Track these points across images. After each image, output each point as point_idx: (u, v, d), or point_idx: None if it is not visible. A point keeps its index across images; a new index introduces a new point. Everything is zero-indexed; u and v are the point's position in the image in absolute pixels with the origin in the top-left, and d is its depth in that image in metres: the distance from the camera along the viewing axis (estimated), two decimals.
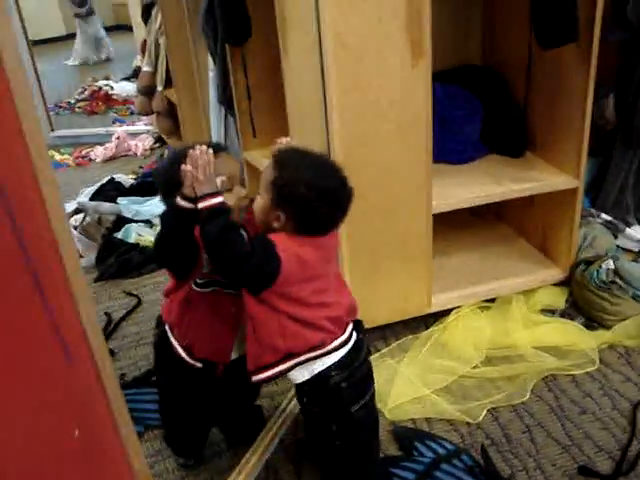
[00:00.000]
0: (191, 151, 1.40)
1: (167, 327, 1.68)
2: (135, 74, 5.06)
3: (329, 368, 1.52)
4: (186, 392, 1.75)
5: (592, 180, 2.74)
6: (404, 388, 2.12)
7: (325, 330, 1.50)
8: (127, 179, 3.58)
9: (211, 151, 1.41)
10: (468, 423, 2.01)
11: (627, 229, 2.52)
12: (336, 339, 1.53)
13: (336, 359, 1.52)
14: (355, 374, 1.54)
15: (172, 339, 1.67)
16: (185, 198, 1.41)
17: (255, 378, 1.55)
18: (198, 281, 1.57)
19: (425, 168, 2.11)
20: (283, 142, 1.55)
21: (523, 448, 1.92)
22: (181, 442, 1.91)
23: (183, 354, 1.66)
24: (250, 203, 1.54)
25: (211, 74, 3.06)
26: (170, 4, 3.31)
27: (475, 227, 2.82)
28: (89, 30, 7.29)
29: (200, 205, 1.39)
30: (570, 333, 2.29)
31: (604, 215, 2.59)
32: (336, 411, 1.55)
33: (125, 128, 4.36)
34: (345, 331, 1.56)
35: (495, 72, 2.64)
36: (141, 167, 3.89)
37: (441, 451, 1.91)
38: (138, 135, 4.27)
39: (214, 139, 3.22)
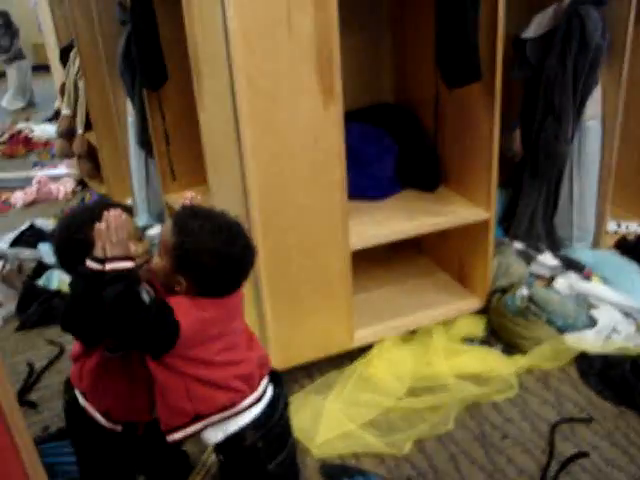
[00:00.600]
0: (106, 212, 1.37)
1: (78, 393, 1.62)
2: (56, 116, 4.98)
3: (244, 428, 1.50)
4: (106, 455, 1.69)
5: (504, 210, 2.86)
6: (331, 424, 2.14)
7: (235, 389, 1.48)
8: (48, 224, 3.50)
9: (124, 215, 1.39)
10: (395, 456, 2.04)
11: (539, 256, 2.63)
12: (248, 397, 1.51)
13: (250, 418, 1.51)
14: (272, 431, 1.53)
15: (86, 405, 1.61)
16: (95, 259, 1.37)
17: (169, 438, 1.52)
18: (110, 345, 1.51)
19: (340, 207, 2.16)
20: (188, 197, 1.54)
21: (449, 477, 1.96)
22: None
23: (101, 419, 1.61)
24: (149, 260, 1.49)
25: (130, 118, 3.06)
26: (87, 48, 3.29)
27: (394, 261, 2.88)
28: (16, 75, 7.18)
29: (108, 267, 1.35)
30: (489, 360, 2.37)
31: (517, 243, 2.70)
32: (253, 470, 1.54)
33: (46, 172, 4.28)
34: (258, 387, 1.54)
35: (407, 110, 2.74)
36: (62, 211, 3.81)
37: None
38: (59, 179, 4.19)
39: (135, 181, 3.20)
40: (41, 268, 3.12)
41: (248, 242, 1.47)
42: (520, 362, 2.35)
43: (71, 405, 1.65)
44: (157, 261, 1.44)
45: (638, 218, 3.02)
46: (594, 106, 2.55)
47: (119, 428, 1.62)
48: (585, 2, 2.40)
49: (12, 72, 7.26)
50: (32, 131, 5.50)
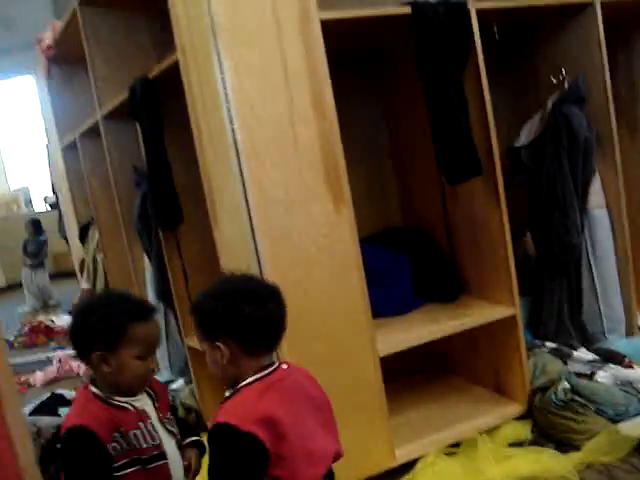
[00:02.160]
0: None
1: None
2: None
3: None
4: None
5: (529, 316, 2.82)
6: None
7: None
8: (70, 393, 3.42)
9: None
10: None
11: (575, 353, 2.54)
12: None
13: None
14: None
15: None
16: None
17: None
18: (114, 465, 1.41)
19: (364, 310, 2.15)
20: None
21: None
22: None
23: None
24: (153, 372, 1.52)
25: (147, 274, 3.14)
26: (106, 220, 3.46)
27: (425, 384, 2.80)
28: (36, 280, 7.45)
29: None
30: (543, 460, 2.19)
31: (549, 343, 2.62)
32: None
33: (66, 352, 4.26)
34: None
35: (416, 230, 2.81)
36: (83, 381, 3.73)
37: None
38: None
39: None
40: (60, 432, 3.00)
41: (245, 278, 1.47)
42: (576, 457, 2.17)
43: None
44: (208, 360, 1.42)
45: None
46: (597, 196, 2.63)
47: None
48: (565, 102, 2.58)
49: (32, 278, 7.54)
50: (52, 322, 5.56)
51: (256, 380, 1.37)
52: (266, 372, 1.39)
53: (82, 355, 1.48)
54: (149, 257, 2.98)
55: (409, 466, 2.27)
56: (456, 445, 2.36)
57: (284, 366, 1.44)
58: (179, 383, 3.06)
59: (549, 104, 2.66)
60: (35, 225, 7.56)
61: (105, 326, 1.42)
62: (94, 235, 3.73)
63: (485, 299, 2.53)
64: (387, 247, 2.69)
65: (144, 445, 1.45)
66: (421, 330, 2.36)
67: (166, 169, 2.54)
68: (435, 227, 2.72)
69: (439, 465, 2.24)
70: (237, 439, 1.27)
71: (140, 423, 1.46)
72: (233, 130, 1.96)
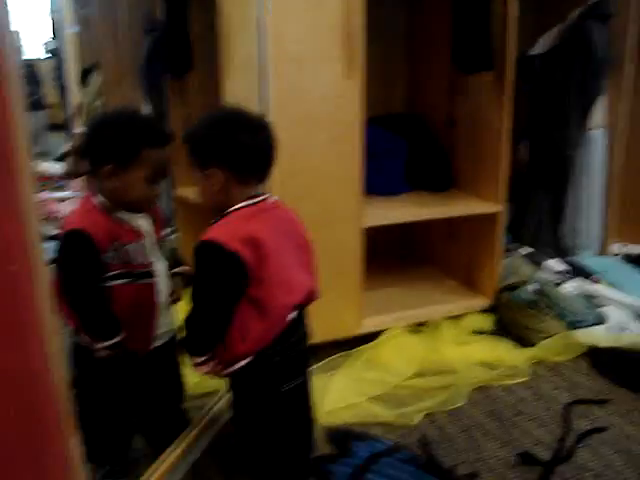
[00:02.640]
0: None
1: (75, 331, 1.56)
2: (63, 157, 5.06)
3: None
4: (107, 388, 1.61)
5: (510, 222, 2.90)
6: (337, 395, 2.07)
7: (282, 321, 1.43)
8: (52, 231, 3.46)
9: None
10: (405, 426, 1.96)
11: (547, 261, 2.65)
12: None
13: None
14: (289, 351, 1.47)
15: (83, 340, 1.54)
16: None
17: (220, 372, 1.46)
18: (105, 275, 1.48)
19: (358, 178, 2.20)
20: None
21: (462, 444, 1.89)
22: (105, 448, 1.75)
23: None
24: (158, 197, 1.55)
25: None
26: (111, 65, 3.42)
27: (401, 268, 2.90)
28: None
29: None
30: (500, 349, 2.33)
31: (525, 248, 2.72)
32: (265, 387, 1.47)
33: (51, 195, 4.28)
34: None
35: (419, 118, 2.84)
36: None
37: (379, 447, 1.84)
38: (65, 200, 4.18)
39: None
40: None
41: (236, 108, 1.47)
42: (530, 353, 2.32)
43: (76, 346, 1.58)
44: (198, 187, 1.45)
45: None
46: (599, 116, 2.66)
47: (120, 354, 1.54)
48: (589, 17, 2.57)
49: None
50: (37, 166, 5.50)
51: (244, 206, 1.41)
52: (255, 200, 1.43)
53: (93, 165, 1.50)
54: (150, 104, 2.97)
55: (374, 336, 2.39)
56: (421, 325, 2.49)
57: (272, 199, 1.48)
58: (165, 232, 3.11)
59: (571, 16, 2.65)
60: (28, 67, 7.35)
61: (123, 144, 1.44)
62: (96, 80, 3.69)
63: (474, 194, 2.59)
64: (387, 130, 2.71)
65: (137, 260, 1.51)
66: (407, 210, 2.43)
67: (183, 14, 2.51)
68: (438, 118, 2.75)
69: (402, 339, 2.37)
70: (222, 255, 1.32)
71: (137, 239, 1.52)
72: None
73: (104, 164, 1.46)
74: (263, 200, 1.45)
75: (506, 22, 2.28)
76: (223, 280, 1.35)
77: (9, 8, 0.88)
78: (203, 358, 1.42)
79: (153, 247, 1.57)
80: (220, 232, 1.35)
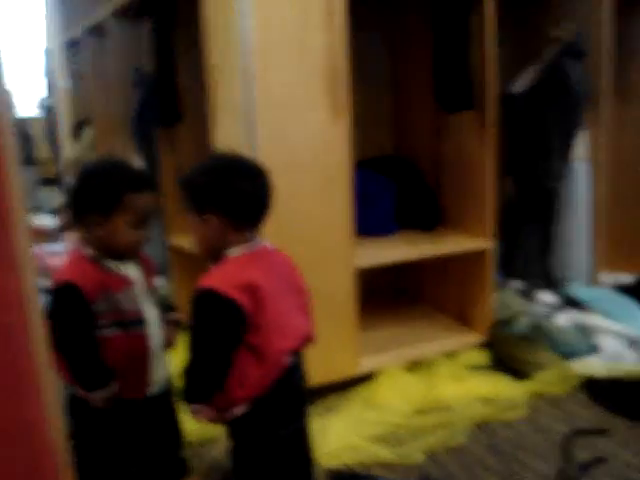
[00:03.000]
0: None
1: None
2: (55, 212, 5.10)
3: None
4: (105, 439, 1.60)
5: (501, 257, 2.93)
6: (336, 437, 2.06)
7: (278, 367, 1.43)
8: (48, 283, 3.47)
9: None
10: (406, 466, 1.96)
11: (538, 294, 2.67)
12: None
13: None
14: (286, 394, 1.48)
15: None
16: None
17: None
18: (98, 324, 1.49)
19: (347, 221, 2.23)
20: None
21: None
22: None
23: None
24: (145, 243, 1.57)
25: None
26: (102, 118, 3.49)
27: (395, 308, 2.93)
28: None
29: None
30: (496, 384, 2.34)
31: (515, 283, 2.75)
32: (263, 431, 1.46)
33: (46, 249, 4.29)
34: None
35: (405, 160, 2.90)
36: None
37: None
38: (59, 253, 4.19)
39: None
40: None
41: (233, 155, 1.50)
42: (527, 386, 2.32)
43: (72, 398, 1.58)
44: (194, 233, 1.47)
45: (630, 272, 3.09)
46: (582, 148, 2.73)
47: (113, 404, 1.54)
48: (565, 55, 2.66)
49: None
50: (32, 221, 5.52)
51: (242, 254, 1.43)
52: (251, 246, 1.45)
53: (78, 215, 1.54)
54: (141, 157, 3.03)
55: (371, 377, 2.40)
56: (417, 363, 2.49)
57: (268, 245, 1.51)
58: (158, 282, 3.13)
59: (548, 56, 2.74)
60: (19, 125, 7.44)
61: (104, 191, 1.47)
62: (87, 134, 3.76)
63: (462, 231, 2.63)
64: (375, 172, 2.77)
65: (127, 308, 1.52)
66: (397, 250, 2.47)
67: (171, 66, 2.58)
68: (423, 158, 2.81)
69: (399, 377, 2.37)
70: (220, 303, 1.33)
71: (125, 287, 1.53)
72: (246, 26, 2.01)
73: (88, 214, 1.49)
74: (259, 246, 1.47)
75: (485, 62, 2.36)
76: (222, 328, 1.36)
77: (3, 67, 0.92)
78: (200, 407, 1.42)
79: (144, 295, 1.58)
80: (218, 279, 1.37)
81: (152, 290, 1.64)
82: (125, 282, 1.54)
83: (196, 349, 1.39)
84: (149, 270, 1.65)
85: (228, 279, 1.36)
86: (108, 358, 1.51)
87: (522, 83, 2.80)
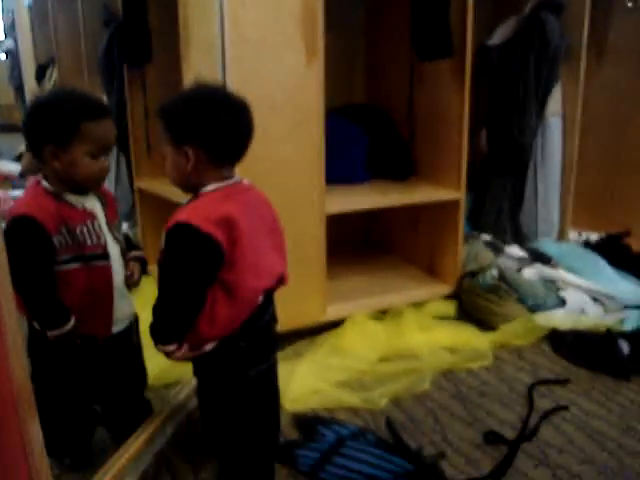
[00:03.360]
0: None
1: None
2: (19, 158, 4.96)
3: None
4: (66, 376, 1.59)
5: (470, 210, 2.94)
6: (302, 382, 2.06)
7: (251, 306, 1.41)
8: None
9: None
10: (370, 410, 1.96)
11: (506, 248, 2.68)
12: None
13: None
14: (255, 335, 1.45)
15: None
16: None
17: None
18: (57, 259, 1.45)
19: (319, 165, 2.20)
20: None
21: (428, 426, 1.89)
22: (67, 439, 1.71)
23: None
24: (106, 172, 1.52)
25: None
26: (68, 59, 3.38)
27: (363, 258, 2.92)
28: None
29: None
30: (463, 334, 2.35)
31: (485, 236, 2.76)
32: (232, 371, 1.45)
33: (6, 193, 4.19)
34: None
35: (378, 109, 2.86)
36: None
37: (345, 432, 1.84)
38: None
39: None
40: None
41: (220, 86, 1.47)
42: (493, 337, 2.34)
43: (32, 335, 1.54)
44: (167, 160, 1.40)
45: (597, 230, 3.12)
46: (556, 104, 2.72)
47: (78, 341, 1.52)
48: (544, 9, 2.63)
49: None
50: None
51: (217, 188, 1.38)
52: (229, 182, 1.40)
53: (34, 149, 1.48)
54: (108, 97, 2.94)
55: (338, 324, 2.40)
56: (384, 313, 2.50)
57: (245, 182, 1.46)
58: (124, 226, 3.07)
59: (527, 8, 2.71)
60: None
61: (58, 121, 1.40)
62: (52, 75, 3.64)
63: (434, 182, 2.62)
64: (348, 120, 2.72)
65: (88, 242, 1.47)
66: (368, 198, 2.45)
67: (141, 3, 2.49)
68: (397, 107, 2.77)
69: (365, 325, 2.38)
70: (196, 238, 1.28)
71: (87, 221, 1.48)
72: None
73: (43, 145, 1.43)
74: (236, 182, 1.42)
75: (465, 10, 2.31)
76: (197, 263, 1.31)
77: None
78: (174, 347, 1.38)
79: (105, 229, 1.53)
80: (194, 213, 1.31)
81: (114, 226, 1.58)
82: (86, 215, 1.49)
83: (168, 285, 1.34)
84: (111, 205, 1.59)
85: (204, 213, 1.30)
86: (69, 293, 1.47)
87: (499, 35, 2.77)
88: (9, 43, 5.39)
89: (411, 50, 2.48)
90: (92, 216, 1.50)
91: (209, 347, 1.40)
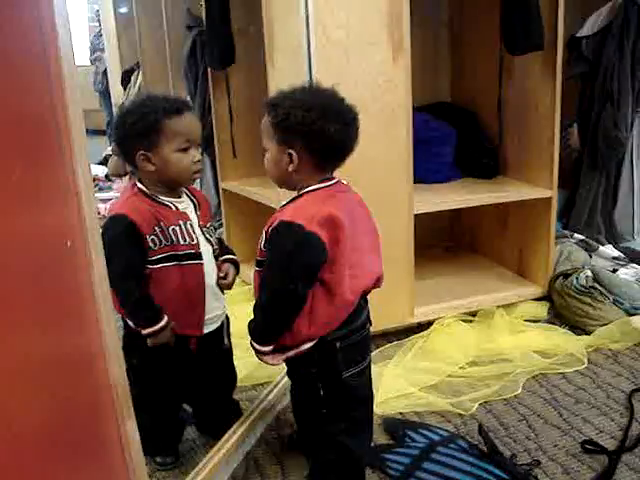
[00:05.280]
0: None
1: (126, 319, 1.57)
2: (104, 161, 5.13)
3: None
4: (161, 377, 1.62)
5: (562, 208, 2.84)
6: (391, 385, 2.03)
7: (348, 307, 1.41)
8: None
9: None
10: (460, 415, 1.92)
11: (600, 247, 2.58)
12: None
13: None
14: (351, 336, 1.45)
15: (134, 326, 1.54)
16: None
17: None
18: (150, 258, 1.48)
19: (407, 164, 2.16)
20: None
21: (521, 433, 1.82)
22: (158, 438, 1.75)
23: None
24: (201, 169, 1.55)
25: None
26: (152, 63, 3.45)
27: (451, 259, 2.86)
28: None
29: None
30: (556, 338, 2.27)
31: (577, 235, 2.66)
32: (326, 373, 1.45)
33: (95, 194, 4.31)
34: None
35: (464, 108, 2.79)
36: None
37: (435, 438, 1.80)
38: (109, 200, 4.24)
39: None
40: None
41: (338, 94, 1.43)
42: (587, 340, 2.25)
43: (129, 337, 1.57)
44: (266, 157, 1.42)
45: None
46: None
47: (171, 342, 1.53)
48: None
49: None
50: None
51: (319, 188, 1.40)
52: (329, 183, 1.41)
53: (127, 158, 1.54)
54: (193, 100, 2.99)
55: (426, 326, 2.36)
56: (473, 315, 2.44)
57: (344, 181, 1.48)
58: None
59: None
60: None
61: (142, 125, 1.45)
62: (137, 80, 3.73)
63: (523, 180, 2.54)
64: (435, 118, 2.68)
65: (181, 242, 1.51)
66: (457, 196, 2.39)
67: (224, 7, 2.51)
68: (484, 103, 2.70)
69: (454, 328, 2.33)
70: (300, 236, 1.30)
71: (180, 221, 1.52)
72: None
73: (134, 152, 1.48)
74: (336, 182, 1.43)
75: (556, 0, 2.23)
76: (301, 262, 1.32)
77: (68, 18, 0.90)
78: (269, 348, 1.39)
79: (198, 231, 1.56)
80: (297, 213, 1.33)
81: (207, 227, 1.61)
82: (179, 216, 1.52)
83: (271, 284, 1.36)
84: (204, 207, 1.62)
85: (307, 213, 1.32)
86: (162, 292, 1.50)
87: (590, 25, 2.66)
88: (97, 49, 5.59)
89: (500, 43, 2.40)
90: (185, 217, 1.54)
91: (305, 347, 1.40)
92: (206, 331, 1.61)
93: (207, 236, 1.59)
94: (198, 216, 1.58)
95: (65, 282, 0.95)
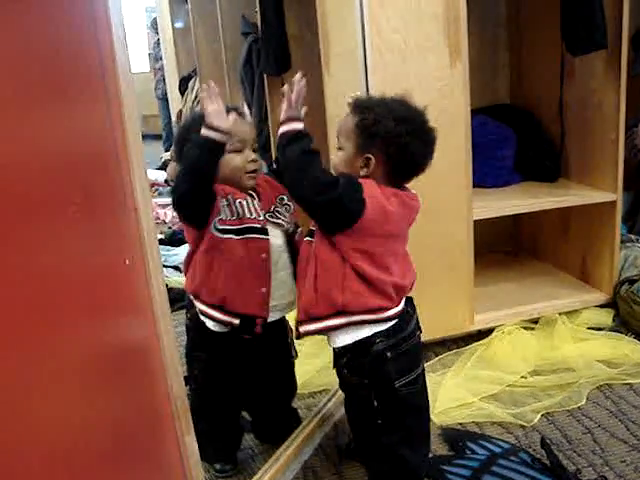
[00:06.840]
0: (296, 76, 1.43)
1: (193, 298, 1.59)
2: (163, 166, 5.22)
3: (374, 335, 1.42)
4: (222, 381, 1.65)
5: (627, 213, 2.74)
6: (450, 394, 2.00)
7: (387, 297, 1.42)
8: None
9: (304, 82, 1.42)
10: (522, 426, 1.87)
11: None
12: (393, 308, 1.44)
13: (384, 327, 1.43)
14: (401, 345, 1.44)
15: (201, 307, 1.57)
16: (211, 128, 1.38)
17: (303, 329, 1.46)
18: (219, 227, 1.50)
19: (465, 168, 2.13)
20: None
21: (586, 447, 1.76)
22: (217, 445, 1.76)
23: (217, 315, 1.55)
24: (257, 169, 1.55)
25: None
26: (209, 69, 3.50)
27: (512, 264, 2.80)
28: None
29: (283, 129, 1.38)
30: (621, 346, 2.19)
31: None
32: (379, 383, 1.44)
33: (154, 200, 4.40)
34: (401, 303, 1.47)
35: (524, 109, 2.73)
36: (170, 228, 3.88)
37: (496, 450, 1.76)
38: (168, 205, 4.30)
39: None
40: None
41: (426, 115, 1.45)
42: None
43: (192, 320, 1.62)
44: (337, 154, 1.44)
45: None
46: None
47: (236, 322, 1.54)
48: None
49: None
50: None
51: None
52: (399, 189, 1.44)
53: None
54: (249, 106, 3.01)
55: (486, 334, 2.31)
56: (535, 322, 2.38)
57: (413, 191, 1.49)
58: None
59: None
60: None
61: (196, 129, 1.44)
62: (194, 86, 3.79)
63: (586, 183, 2.47)
64: (494, 120, 2.62)
65: (247, 215, 1.52)
66: (518, 201, 2.34)
67: (280, 13, 2.52)
68: (545, 105, 2.63)
69: (515, 335, 2.27)
70: (355, 181, 1.37)
71: (247, 198, 1.54)
72: None
73: None
74: (404, 189, 1.46)
75: None
76: (344, 191, 1.33)
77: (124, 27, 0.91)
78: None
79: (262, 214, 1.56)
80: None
81: (272, 211, 1.58)
82: (246, 194, 1.54)
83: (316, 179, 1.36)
84: (267, 191, 1.60)
85: (368, 189, 1.37)
86: (228, 264, 1.51)
87: None
88: (155, 55, 5.71)
89: (561, 43, 2.33)
90: (251, 196, 1.55)
91: (336, 322, 1.41)
92: (271, 318, 1.59)
93: (275, 219, 1.58)
94: (259, 205, 1.56)
95: (123, 300, 0.97)
